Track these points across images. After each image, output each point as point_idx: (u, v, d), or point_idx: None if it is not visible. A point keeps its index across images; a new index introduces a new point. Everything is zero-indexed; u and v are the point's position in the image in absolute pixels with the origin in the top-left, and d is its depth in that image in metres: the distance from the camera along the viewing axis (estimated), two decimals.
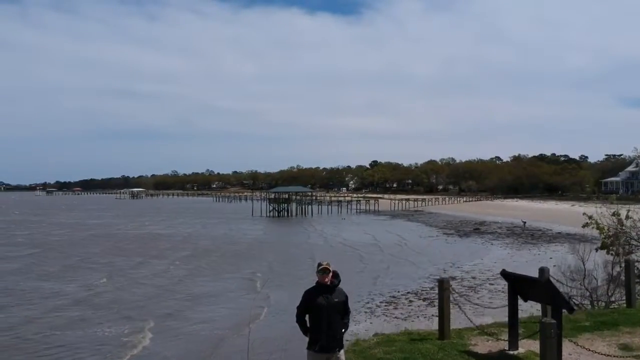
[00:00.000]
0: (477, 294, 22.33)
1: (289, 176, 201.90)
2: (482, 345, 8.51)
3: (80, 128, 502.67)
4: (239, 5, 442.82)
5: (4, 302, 22.19)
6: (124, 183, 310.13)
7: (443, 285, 9.14)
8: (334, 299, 5.96)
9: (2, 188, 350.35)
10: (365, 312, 19.73)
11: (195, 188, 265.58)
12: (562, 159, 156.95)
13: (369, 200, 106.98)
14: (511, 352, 8.03)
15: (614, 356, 7.59)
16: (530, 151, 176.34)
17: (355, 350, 8.33)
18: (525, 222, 58.94)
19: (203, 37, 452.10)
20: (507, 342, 8.21)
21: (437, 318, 9.43)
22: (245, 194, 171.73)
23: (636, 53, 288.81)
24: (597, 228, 14.44)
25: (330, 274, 6.00)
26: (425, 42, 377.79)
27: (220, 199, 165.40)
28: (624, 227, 14.60)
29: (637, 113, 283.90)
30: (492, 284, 24.34)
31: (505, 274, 8.60)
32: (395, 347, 8.47)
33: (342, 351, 6.10)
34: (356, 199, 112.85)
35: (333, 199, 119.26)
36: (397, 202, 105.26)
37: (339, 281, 6.12)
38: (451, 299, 9.40)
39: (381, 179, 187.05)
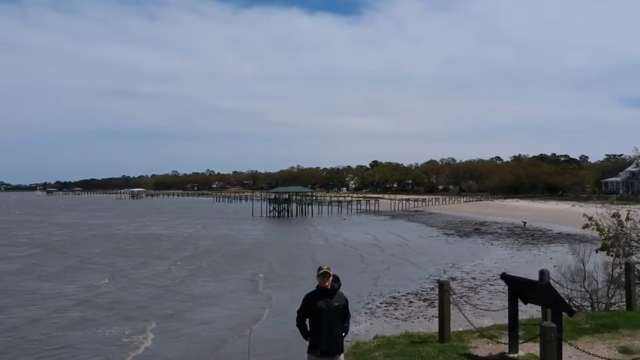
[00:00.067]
0: (478, 295, 22.38)
1: (289, 176, 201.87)
2: (483, 348, 8.54)
3: (80, 128, 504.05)
4: (239, 5, 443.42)
5: (5, 303, 22.21)
6: (124, 183, 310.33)
7: (443, 288, 9.16)
8: (335, 303, 5.97)
9: (3, 188, 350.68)
10: (366, 313, 19.75)
11: (195, 188, 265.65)
12: (563, 159, 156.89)
13: (369, 201, 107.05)
14: (511, 356, 8.06)
15: (614, 359, 7.61)
16: (531, 151, 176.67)
17: (355, 353, 8.36)
18: (525, 223, 58.85)
19: (203, 37, 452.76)
20: (508, 345, 8.24)
21: (437, 319, 9.46)
22: (246, 194, 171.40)
23: (636, 53, 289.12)
24: (598, 229, 14.45)
25: (331, 278, 6.01)
26: (425, 42, 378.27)
27: (221, 199, 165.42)
28: (624, 229, 14.57)
29: (637, 113, 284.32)
30: (493, 285, 24.37)
31: (505, 277, 8.60)
32: (395, 349, 8.49)
33: (342, 355, 6.12)
34: (356, 199, 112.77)
35: (333, 199, 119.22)
36: (397, 202, 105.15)
37: (339, 285, 6.13)
38: (451, 300, 9.42)
39: (381, 179, 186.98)
